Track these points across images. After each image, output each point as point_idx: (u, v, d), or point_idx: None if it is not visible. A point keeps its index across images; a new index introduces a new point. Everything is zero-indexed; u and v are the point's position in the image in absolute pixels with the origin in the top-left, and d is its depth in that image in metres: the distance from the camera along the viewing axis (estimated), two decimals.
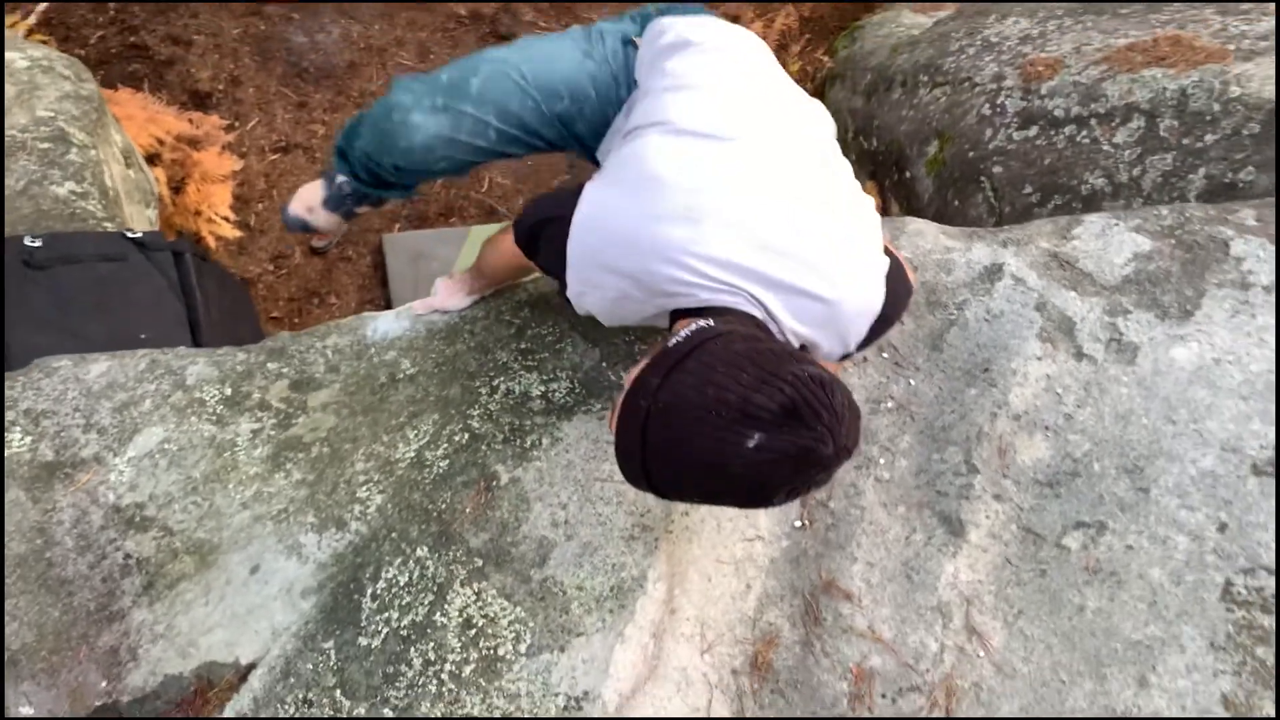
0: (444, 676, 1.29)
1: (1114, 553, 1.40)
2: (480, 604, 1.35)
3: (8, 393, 1.64)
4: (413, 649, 1.32)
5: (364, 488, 1.51)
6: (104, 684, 1.44)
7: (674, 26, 1.50)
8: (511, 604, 1.35)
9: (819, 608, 1.39)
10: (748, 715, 1.31)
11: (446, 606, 1.35)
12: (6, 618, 1.51)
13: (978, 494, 1.46)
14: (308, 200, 1.92)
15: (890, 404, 1.55)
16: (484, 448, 1.51)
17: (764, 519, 1.44)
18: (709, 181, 1.16)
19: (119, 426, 1.63)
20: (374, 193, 1.84)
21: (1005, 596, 1.39)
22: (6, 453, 1.59)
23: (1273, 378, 1.48)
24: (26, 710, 1.43)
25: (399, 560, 1.41)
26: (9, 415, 1.62)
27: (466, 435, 1.54)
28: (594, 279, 1.21)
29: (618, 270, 1.18)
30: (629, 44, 1.58)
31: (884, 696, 1.33)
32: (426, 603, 1.36)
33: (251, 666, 1.42)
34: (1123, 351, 1.55)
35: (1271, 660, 1.31)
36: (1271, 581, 1.35)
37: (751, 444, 0.93)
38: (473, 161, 1.65)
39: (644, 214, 1.16)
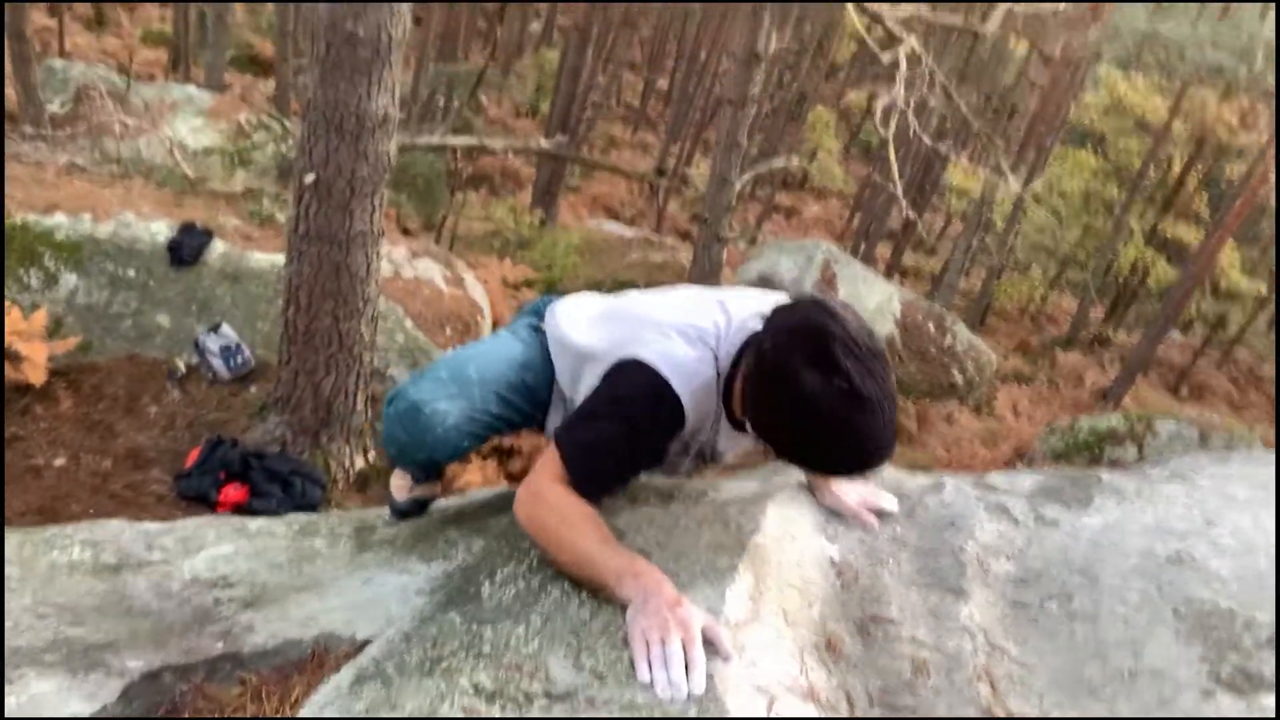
0: (583, 598, 1.46)
1: (1086, 606, 1.75)
2: None
3: None
4: (545, 591, 1.49)
5: (464, 541, 1.74)
6: (220, 645, 1.49)
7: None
8: None
9: (870, 628, 1.65)
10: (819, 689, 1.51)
11: None
12: (76, 625, 1.57)
13: (970, 579, 1.82)
14: (403, 486, 2.30)
15: (885, 537, 1.95)
16: None
17: (815, 572, 1.74)
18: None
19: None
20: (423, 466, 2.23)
21: (1011, 631, 1.70)
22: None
23: (1159, 526, 2.00)
24: (135, 663, 1.45)
25: (515, 560, 1.62)
26: None
27: None
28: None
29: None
30: (536, 329, 2.11)
31: (941, 674, 1.55)
32: (550, 569, 1.55)
33: (367, 641, 1.52)
34: (1047, 523, 2.05)
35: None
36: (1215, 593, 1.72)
37: None
38: (484, 435, 2.01)
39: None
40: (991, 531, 2.00)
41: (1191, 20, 16.43)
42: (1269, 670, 1.51)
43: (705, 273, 9.56)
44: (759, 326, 1.65)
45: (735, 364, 1.73)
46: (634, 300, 2.02)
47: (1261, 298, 23.98)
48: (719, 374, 1.73)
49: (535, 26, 32.29)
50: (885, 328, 13.13)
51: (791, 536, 1.80)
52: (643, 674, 1.28)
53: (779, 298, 1.77)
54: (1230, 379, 21.64)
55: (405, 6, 5.27)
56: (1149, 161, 21.10)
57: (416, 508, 2.27)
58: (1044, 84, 18.01)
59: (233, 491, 5.63)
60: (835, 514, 1.98)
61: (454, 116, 11.60)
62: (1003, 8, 7.12)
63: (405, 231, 12.03)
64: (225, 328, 6.56)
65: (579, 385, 1.90)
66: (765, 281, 12.65)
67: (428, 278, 8.05)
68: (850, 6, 6.17)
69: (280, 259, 6.47)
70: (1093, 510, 2.07)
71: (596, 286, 11.29)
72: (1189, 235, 22.05)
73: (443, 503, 2.27)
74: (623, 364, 1.70)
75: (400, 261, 7.89)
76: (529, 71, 27.69)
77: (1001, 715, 1.48)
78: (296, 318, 5.80)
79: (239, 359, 6.50)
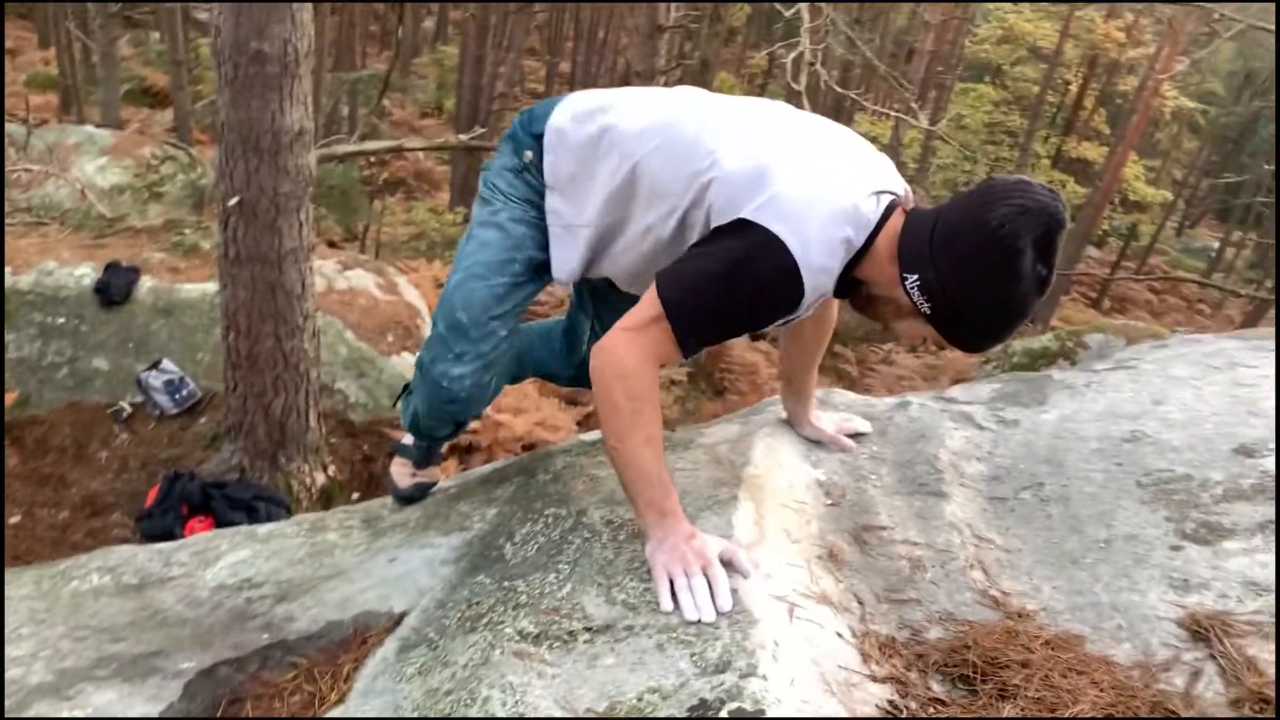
0: (604, 540, 1.55)
1: (1056, 490, 1.88)
2: (615, 516, 1.65)
3: None
4: (566, 541, 1.58)
5: (477, 512, 1.81)
6: (265, 636, 1.55)
7: (569, 111, 1.82)
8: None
9: (864, 536, 1.76)
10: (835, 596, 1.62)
11: (585, 520, 1.64)
12: (117, 641, 1.62)
13: (948, 484, 1.95)
14: (405, 473, 2.32)
15: (864, 456, 2.07)
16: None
17: (806, 495, 1.85)
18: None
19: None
20: (441, 440, 2.29)
21: (993, 523, 1.82)
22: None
23: (1112, 411, 2.14)
24: (188, 664, 1.51)
25: (530, 521, 1.70)
26: None
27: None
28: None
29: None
30: (523, 170, 1.88)
31: (937, 567, 1.67)
32: (568, 523, 1.64)
33: (404, 614, 1.59)
34: (1009, 424, 2.19)
35: None
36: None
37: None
38: (505, 358, 1.96)
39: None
40: (960, 438, 2.12)
41: None
42: (1228, 521, 1.66)
43: None
44: (898, 189, 1.65)
45: (873, 235, 1.60)
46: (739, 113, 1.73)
47: (1168, 203, 24.81)
48: (852, 252, 1.60)
49: (429, 24, 31.92)
50: None
51: (779, 465, 1.91)
52: (665, 603, 1.38)
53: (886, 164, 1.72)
54: (1149, 287, 22.37)
55: (308, 18, 5.25)
56: (1046, 86, 21.64)
57: (420, 492, 2.32)
58: (936, 22, 18.37)
59: (197, 525, 5.59)
60: (816, 443, 2.09)
61: (362, 123, 11.48)
62: None
63: (331, 244, 11.91)
64: (166, 362, 6.48)
65: (643, 207, 1.71)
66: None
67: (362, 287, 8.01)
68: None
69: (212, 287, 6.40)
70: (1049, 406, 2.21)
71: None
72: (1093, 153, 22.72)
73: (443, 483, 2.34)
74: (762, 237, 1.51)
75: (332, 274, 7.84)
76: (428, 70, 27.39)
77: (998, 596, 1.60)
78: (238, 342, 5.75)
79: (184, 392, 6.43)
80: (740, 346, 11.63)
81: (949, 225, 1.52)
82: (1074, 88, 23.97)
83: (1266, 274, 23.72)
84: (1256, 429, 1.89)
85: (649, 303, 1.55)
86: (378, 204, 12.53)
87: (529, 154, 1.86)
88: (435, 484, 2.33)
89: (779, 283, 1.52)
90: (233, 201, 5.42)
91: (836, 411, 2.23)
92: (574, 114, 1.81)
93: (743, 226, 1.53)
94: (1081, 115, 23.86)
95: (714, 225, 1.60)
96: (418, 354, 2.03)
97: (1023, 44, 22.16)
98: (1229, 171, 29.20)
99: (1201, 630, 1.41)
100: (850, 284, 1.67)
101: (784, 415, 2.17)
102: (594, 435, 2.20)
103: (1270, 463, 1.79)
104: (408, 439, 2.29)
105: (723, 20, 23.38)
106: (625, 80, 20.45)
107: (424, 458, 2.28)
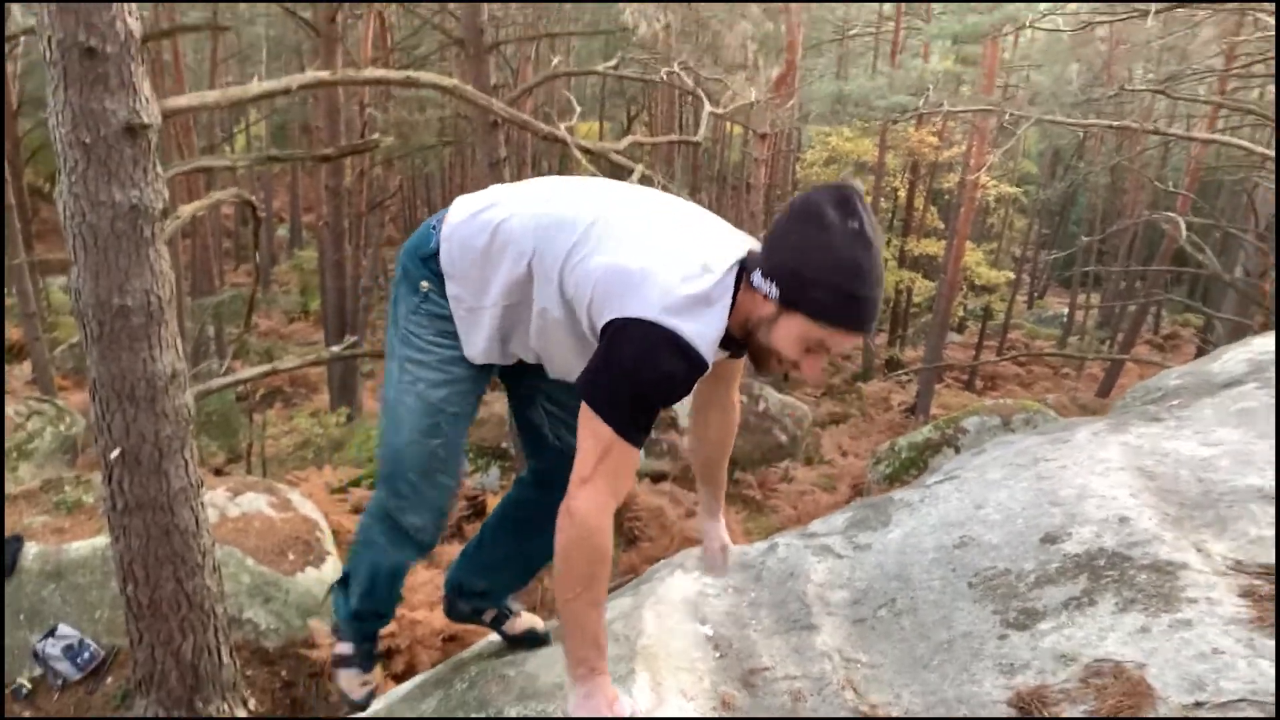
0: None
1: (906, 602, 2.15)
2: (529, 711, 1.83)
3: None
4: None
5: None
6: None
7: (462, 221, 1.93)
8: None
9: (751, 680, 1.99)
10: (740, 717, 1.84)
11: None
12: None
13: (816, 615, 2.20)
14: (355, 683, 2.35)
15: (745, 604, 2.31)
16: None
17: (697, 652, 2.07)
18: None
19: None
20: (374, 633, 2.37)
21: (857, 644, 2.08)
22: None
23: (944, 521, 2.45)
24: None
25: None
26: None
27: None
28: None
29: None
30: (424, 301, 1.97)
31: (815, 695, 1.91)
32: None
33: None
34: (861, 548, 2.47)
35: None
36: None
37: None
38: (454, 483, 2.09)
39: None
40: (822, 570, 2.39)
41: (868, 75, 18.50)
42: (1040, 604, 1.95)
43: None
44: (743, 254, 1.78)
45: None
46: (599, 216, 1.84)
47: (1013, 281, 26.50)
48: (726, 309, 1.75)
49: (283, 231, 32.33)
50: None
51: (670, 630, 2.13)
52: None
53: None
54: (1015, 361, 23.60)
55: (166, 266, 5.45)
56: (878, 195, 23.18)
57: (371, 697, 2.36)
58: (766, 156, 19.67)
59: None
60: (704, 595, 2.32)
61: (232, 345, 11.56)
62: (707, 115, 7.94)
63: (217, 472, 11.77)
64: (63, 627, 6.31)
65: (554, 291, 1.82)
66: None
67: (255, 510, 7.99)
68: (576, 151, 6.77)
69: (101, 540, 6.32)
70: (893, 525, 2.51)
71: None
72: (934, 248, 24.25)
73: (371, 709, 2.44)
74: (651, 330, 1.66)
75: (223, 503, 7.81)
76: (289, 276, 27.63)
77: (867, 710, 1.84)
78: (137, 592, 5.68)
79: (85, 655, 6.26)
80: (645, 493, 11.85)
81: (769, 233, 1.75)
82: (902, 192, 25.75)
83: (1114, 332, 25.36)
84: (1056, 517, 2.22)
85: (587, 437, 1.69)
86: (258, 419, 12.50)
87: (425, 284, 1.97)
88: (376, 687, 2.39)
89: (680, 357, 1.66)
90: (114, 454, 5.46)
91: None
92: (467, 213, 1.94)
93: (627, 325, 1.67)
94: (915, 215, 25.56)
95: (595, 315, 1.75)
96: (364, 518, 2.12)
97: (848, 161, 23.82)
98: (1058, 245, 31.51)
99: (1024, 706, 1.67)
100: (740, 341, 1.81)
101: (681, 567, 2.41)
102: (495, 639, 2.37)
103: (1071, 545, 2.11)
104: (343, 648, 2.34)
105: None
106: None
107: (366, 659, 2.35)
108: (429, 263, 1.96)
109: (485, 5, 9.69)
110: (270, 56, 26.76)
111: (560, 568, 1.69)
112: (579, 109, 8.78)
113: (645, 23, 9.60)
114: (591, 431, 1.69)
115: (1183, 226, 13.71)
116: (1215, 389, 2.93)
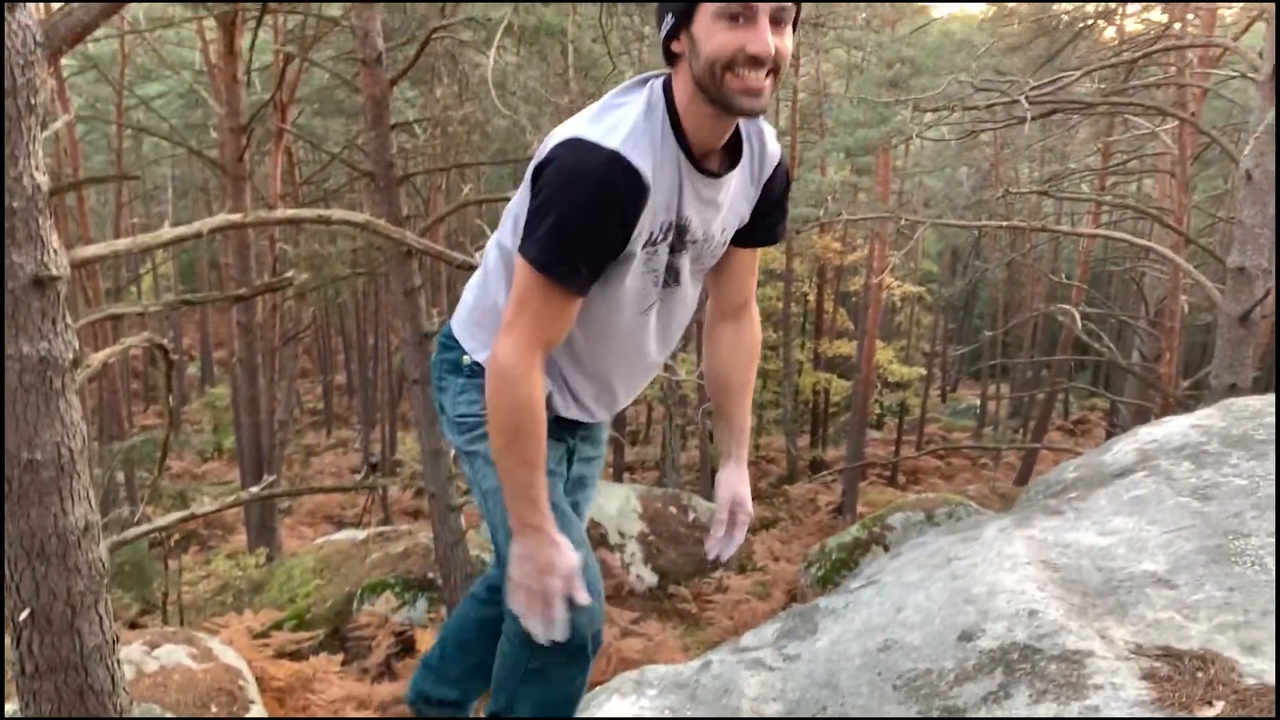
0: None
1: (837, 710, 2.21)
2: None
3: None
4: None
5: None
6: None
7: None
8: None
9: None
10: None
11: None
12: None
13: None
14: None
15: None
16: None
17: None
18: None
19: None
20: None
21: None
22: None
23: (867, 626, 2.52)
24: None
25: None
26: None
27: None
28: None
29: None
30: (472, 370, 1.86)
31: None
32: None
33: None
34: (791, 659, 2.53)
35: None
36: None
37: None
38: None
39: None
40: (755, 684, 2.44)
41: None
42: (960, 701, 2.03)
43: (450, 545, 9.73)
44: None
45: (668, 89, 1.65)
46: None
47: (925, 376, 27.27)
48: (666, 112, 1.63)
49: (193, 369, 31.76)
50: (634, 526, 13.72)
51: None
52: (516, 607, 1.71)
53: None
54: (934, 454, 24.07)
55: (77, 416, 5.35)
56: (788, 300, 23.84)
57: None
58: None
59: None
60: None
61: (145, 491, 11.23)
62: None
63: (132, 625, 11.28)
64: None
65: None
66: None
67: (174, 662, 7.69)
68: None
69: (12, 708, 6.02)
70: (820, 633, 2.58)
71: (346, 600, 11.10)
72: (846, 349, 24.91)
73: None
74: (566, 154, 1.57)
75: (140, 658, 7.50)
76: (200, 414, 27.03)
77: None
78: None
79: None
80: None
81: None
82: (812, 296, 26.54)
83: (1025, 420, 26.13)
84: (970, 615, 2.32)
85: (517, 284, 1.61)
86: (174, 565, 12.06)
87: (465, 358, 1.89)
88: None
89: (611, 171, 1.54)
90: (23, 615, 5.26)
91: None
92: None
93: (542, 164, 1.60)
94: (826, 318, 26.32)
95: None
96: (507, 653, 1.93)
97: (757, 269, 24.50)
98: (965, 339, 32.66)
99: None
100: (703, 152, 1.68)
101: (618, 692, 2.43)
102: None
103: (986, 641, 2.20)
104: None
105: None
106: (400, 381, 20.98)
107: None
108: (455, 348, 1.91)
109: (394, 139, 9.92)
110: (176, 195, 26.75)
111: (490, 415, 1.65)
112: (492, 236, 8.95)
113: None
114: (517, 276, 1.62)
115: (1077, 318, 14.43)
116: (1109, 479, 3.10)
